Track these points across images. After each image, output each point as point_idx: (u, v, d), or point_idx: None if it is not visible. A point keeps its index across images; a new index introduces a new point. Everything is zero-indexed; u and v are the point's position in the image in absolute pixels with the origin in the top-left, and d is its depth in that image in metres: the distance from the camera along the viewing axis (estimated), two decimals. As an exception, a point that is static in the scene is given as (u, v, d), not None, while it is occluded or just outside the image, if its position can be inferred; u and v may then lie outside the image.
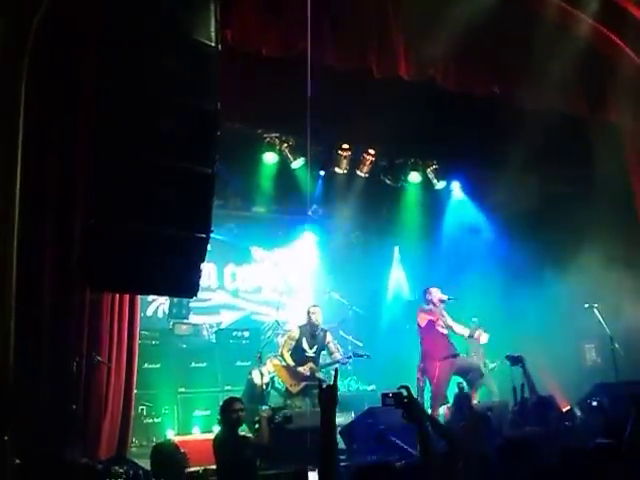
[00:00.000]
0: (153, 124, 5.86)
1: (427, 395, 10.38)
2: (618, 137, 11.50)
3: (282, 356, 10.21)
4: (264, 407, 9.44)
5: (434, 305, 10.39)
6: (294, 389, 10.00)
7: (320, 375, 10.27)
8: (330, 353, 10.49)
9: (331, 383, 3.85)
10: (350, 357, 11.08)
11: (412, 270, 14.68)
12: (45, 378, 7.27)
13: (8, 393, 5.56)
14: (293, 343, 10.24)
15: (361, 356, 11.64)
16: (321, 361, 10.48)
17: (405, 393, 3.97)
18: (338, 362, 10.65)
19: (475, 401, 9.10)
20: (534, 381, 7.81)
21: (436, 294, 10.44)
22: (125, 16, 6.01)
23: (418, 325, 10.44)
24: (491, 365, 11.53)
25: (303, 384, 10.00)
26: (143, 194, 5.77)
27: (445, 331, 10.34)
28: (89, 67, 7.66)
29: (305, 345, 10.22)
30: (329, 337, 10.49)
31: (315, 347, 10.26)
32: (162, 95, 5.92)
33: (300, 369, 10.05)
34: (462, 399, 8.05)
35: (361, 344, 12.73)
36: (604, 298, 10.81)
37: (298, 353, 10.18)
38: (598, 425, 6.76)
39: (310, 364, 10.12)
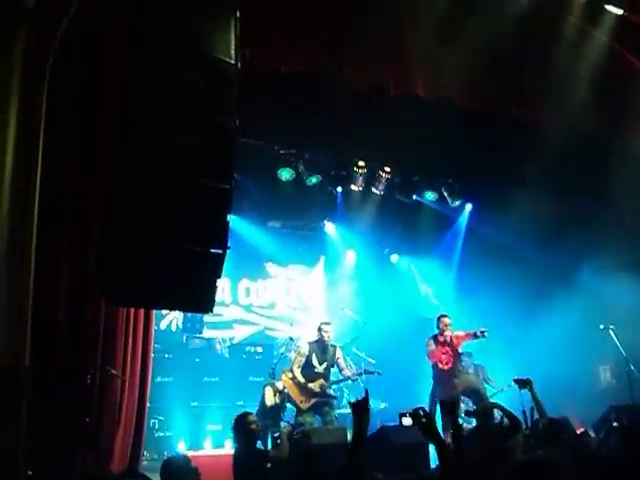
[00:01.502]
0: (172, 139, 5.89)
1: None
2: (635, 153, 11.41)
3: (292, 372, 10.19)
4: (283, 424, 9.42)
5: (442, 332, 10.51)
6: (304, 405, 9.97)
7: (330, 392, 10.25)
8: (340, 370, 10.44)
9: (352, 400, 3.89)
10: (360, 374, 11.04)
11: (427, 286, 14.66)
12: (59, 391, 7.27)
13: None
14: (303, 359, 10.21)
15: (372, 373, 11.60)
16: (332, 378, 10.44)
17: (422, 413, 3.97)
18: (348, 379, 10.63)
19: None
20: (543, 404, 7.74)
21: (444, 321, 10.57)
22: (146, 32, 6.07)
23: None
24: (505, 387, 11.39)
25: (313, 400, 9.98)
26: (160, 208, 5.79)
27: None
28: (110, 80, 7.73)
29: (315, 361, 10.19)
30: (339, 353, 10.46)
31: (325, 363, 10.23)
32: (181, 110, 5.95)
33: (310, 385, 10.02)
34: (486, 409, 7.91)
35: (373, 361, 12.68)
36: (620, 318, 10.72)
37: (308, 369, 10.15)
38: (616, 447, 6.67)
39: (320, 380, 10.08)
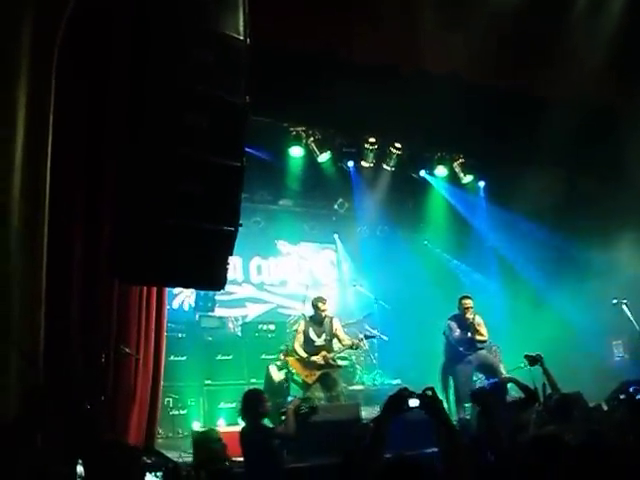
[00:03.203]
0: (182, 118, 5.88)
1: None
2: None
3: (295, 351, 10.23)
4: (290, 398, 9.48)
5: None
6: (310, 379, 10.03)
7: (335, 362, 10.28)
8: (339, 340, 10.45)
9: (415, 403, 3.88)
10: (362, 339, 11.06)
11: (439, 265, 14.61)
12: (74, 370, 7.32)
13: (40, 394, 5.59)
14: (301, 336, 10.29)
15: (373, 337, 11.67)
16: (336, 348, 10.46)
17: (430, 394, 3.96)
18: (351, 347, 10.64)
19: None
20: (555, 379, 7.73)
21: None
22: (153, 11, 6.03)
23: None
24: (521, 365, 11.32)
25: (318, 373, 10.04)
26: (172, 187, 5.79)
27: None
28: (117, 61, 7.68)
29: (313, 335, 10.25)
30: (336, 324, 10.48)
31: (324, 335, 10.28)
32: (191, 88, 5.93)
33: (313, 358, 10.08)
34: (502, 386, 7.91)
35: (386, 338, 12.72)
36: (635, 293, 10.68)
37: (308, 344, 10.22)
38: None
39: (323, 353, 10.13)
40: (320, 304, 10.38)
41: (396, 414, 3.86)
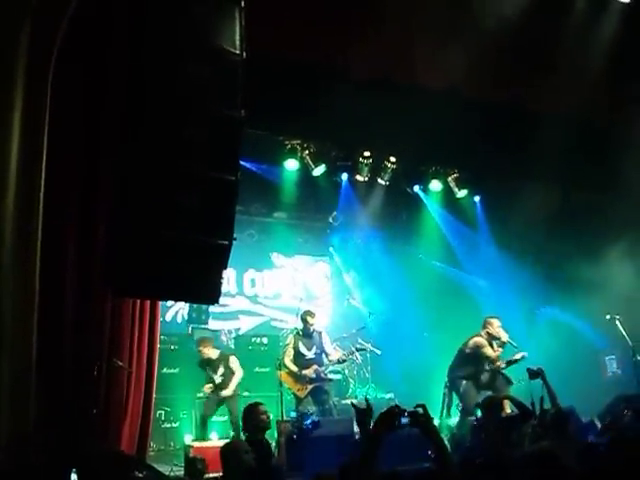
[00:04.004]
0: (178, 131, 5.89)
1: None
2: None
3: (285, 365, 10.20)
4: (293, 413, 9.46)
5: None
6: (302, 393, 10.03)
7: (326, 375, 10.27)
8: (326, 355, 10.44)
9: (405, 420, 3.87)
10: (352, 352, 11.05)
11: (434, 278, 14.62)
12: (66, 382, 7.28)
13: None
14: (292, 350, 10.28)
15: (363, 350, 11.65)
16: (326, 362, 10.44)
17: (421, 411, 3.96)
18: (338, 362, 10.64)
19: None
20: (555, 394, 7.74)
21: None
22: (150, 24, 6.05)
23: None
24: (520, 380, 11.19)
25: (310, 387, 10.03)
26: (166, 200, 5.79)
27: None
28: (114, 73, 7.68)
29: (303, 349, 10.26)
30: (325, 338, 10.50)
31: (314, 348, 10.29)
32: (187, 102, 5.94)
33: (304, 372, 10.09)
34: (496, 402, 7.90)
35: (379, 352, 12.69)
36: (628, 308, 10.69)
37: (299, 358, 10.23)
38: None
39: (314, 366, 10.16)
40: (309, 318, 10.38)
41: (387, 431, 3.85)
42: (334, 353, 10.52)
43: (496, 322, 10.14)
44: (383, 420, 3.89)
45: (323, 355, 10.39)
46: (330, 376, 10.79)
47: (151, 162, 5.84)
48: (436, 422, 10.10)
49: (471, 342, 10.10)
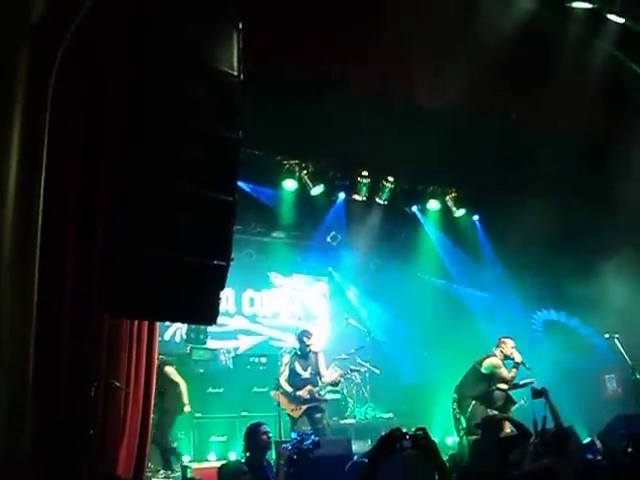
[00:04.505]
0: (175, 152, 5.91)
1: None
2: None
3: (280, 385, 10.17)
4: (293, 434, 9.42)
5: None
6: (296, 414, 10.01)
7: (321, 396, 10.22)
8: (320, 377, 10.40)
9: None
10: (347, 374, 11.03)
11: (433, 298, 14.62)
12: (63, 403, 7.26)
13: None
14: (287, 370, 10.24)
15: (357, 371, 11.64)
16: (320, 383, 10.40)
17: (422, 434, 3.96)
18: (332, 384, 10.59)
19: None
20: (559, 412, 7.76)
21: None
22: (148, 45, 6.09)
23: None
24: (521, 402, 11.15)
25: (304, 407, 9.99)
26: (164, 221, 5.80)
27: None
28: (112, 93, 7.71)
29: (299, 369, 10.23)
30: (321, 359, 10.46)
31: (309, 369, 10.27)
32: (184, 123, 5.96)
33: (299, 393, 10.06)
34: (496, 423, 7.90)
35: (378, 371, 12.68)
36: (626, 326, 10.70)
37: (294, 378, 10.20)
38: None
39: (308, 387, 10.13)
40: (305, 338, 10.35)
41: (388, 454, 3.86)
42: (328, 375, 10.46)
43: (510, 342, 10.20)
44: (384, 442, 3.90)
45: (318, 376, 10.35)
46: (328, 396, 10.76)
47: (148, 182, 5.85)
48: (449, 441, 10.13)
49: (487, 362, 10.13)
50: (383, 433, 4.05)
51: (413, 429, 3.96)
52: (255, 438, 7.01)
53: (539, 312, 13.71)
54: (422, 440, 3.88)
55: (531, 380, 9.85)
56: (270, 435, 7.18)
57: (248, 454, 7.10)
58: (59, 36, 6.54)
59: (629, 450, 6.76)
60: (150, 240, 5.83)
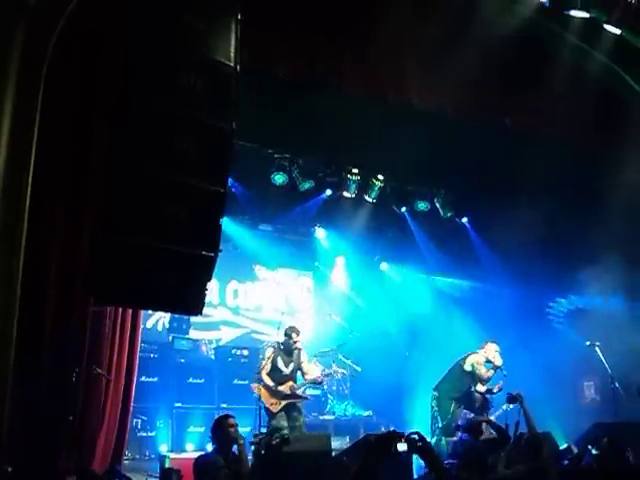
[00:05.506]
0: (168, 140, 5.88)
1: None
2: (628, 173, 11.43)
3: (261, 378, 10.13)
4: (263, 430, 9.41)
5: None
6: (275, 408, 9.94)
7: (300, 393, 10.21)
8: (302, 374, 10.38)
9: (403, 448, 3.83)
10: (328, 375, 11.02)
11: (416, 297, 14.67)
12: (43, 387, 7.21)
13: None
14: (269, 364, 10.18)
15: (341, 373, 11.65)
16: (302, 380, 10.39)
17: (417, 437, 3.90)
18: (314, 383, 10.57)
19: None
20: (533, 419, 7.79)
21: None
22: (145, 33, 6.06)
23: None
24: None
25: (284, 402, 9.96)
26: (154, 209, 5.78)
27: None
28: (106, 80, 7.65)
29: (281, 364, 10.16)
30: (303, 357, 10.41)
31: (291, 365, 10.21)
32: (178, 112, 5.94)
33: (280, 388, 10.00)
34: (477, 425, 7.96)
35: (359, 368, 12.70)
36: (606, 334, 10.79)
37: (276, 373, 10.11)
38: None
39: (290, 383, 10.06)
40: (294, 334, 10.28)
41: (381, 458, 3.79)
42: (311, 372, 10.43)
43: (495, 347, 10.44)
44: (379, 446, 3.83)
45: (299, 373, 10.33)
46: (308, 392, 10.73)
47: (137, 169, 5.83)
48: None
49: (470, 359, 10.38)
50: (362, 431, 4.03)
51: (407, 432, 3.91)
52: (221, 430, 6.95)
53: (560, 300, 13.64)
54: (418, 442, 3.83)
55: (500, 387, 10.11)
56: (236, 428, 7.10)
57: (215, 446, 7.05)
58: (54, 18, 6.50)
59: (593, 452, 6.84)
60: (137, 228, 5.81)
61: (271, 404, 9.94)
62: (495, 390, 10.20)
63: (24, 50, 6.04)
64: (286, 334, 10.34)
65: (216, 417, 7.36)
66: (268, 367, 10.15)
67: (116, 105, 6.23)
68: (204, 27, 6.14)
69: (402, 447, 3.75)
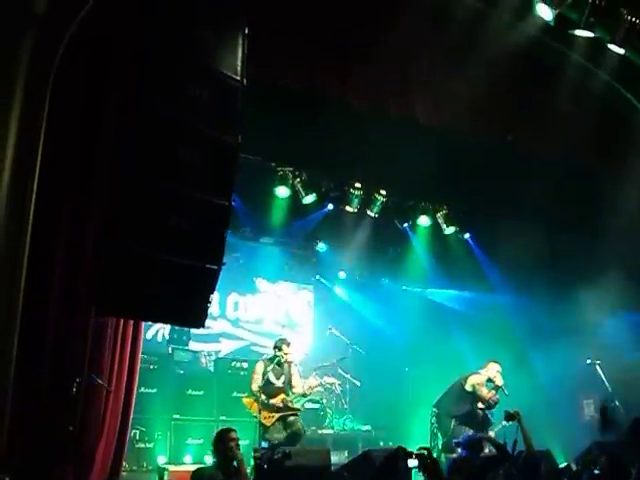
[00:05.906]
0: (174, 151, 5.90)
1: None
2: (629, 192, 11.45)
3: (252, 393, 10.08)
4: (264, 444, 9.36)
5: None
6: (268, 422, 9.89)
7: (293, 405, 10.17)
8: (291, 387, 10.32)
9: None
10: (320, 384, 10.98)
11: (416, 313, 14.64)
12: (44, 397, 7.19)
13: None
14: (260, 377, 10.12)
15: (332, 384, 11.61)
16: (291, 393, 10.34)
17: (426, 453, 3.90)
18: (304, 396, 10.50)
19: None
20: (531, 436, 7.77)
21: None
22: (153, 45, 6.09)
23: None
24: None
25: (277, 415, 9.92)
26: (158, 222, 5.79)
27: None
28: (113, 91, 7.66)
29: (272, 377, 10.12)
30: (294, 370, 10.38)
31: (282, 377, 10.18)
32: (184, 125, 5.97)
33: (272, 401, 9.96)
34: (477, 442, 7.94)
35: (359, 383, 12.68)
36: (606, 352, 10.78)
37: (267, 386, 10.05)
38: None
39: (282, 395, 10.04)
40: (284, 346, 10.23)
41: (391, 475, 3.79)
42: (298, 386, 10.37)
43: (496, 366, 10.42)
44: (388, 464, 3.82)
45: (289, 386, 10.30)
46: (307, 405, 10.71)
47: (144, 183, 5.84)
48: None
49: (471, 379, 10.35)
50: (361, 446, 4.03)
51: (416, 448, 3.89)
52: (222, 444, 6.93)
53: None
54: (427, 459, 3.83)
55: (496, 399, 10.16)
56: (238, 442, 7.07)
57: (216, 460, 7.03)
58: (62, 27, 6.52)
59: (595, 472, 6.82)
60: (141, 239, 5.82)
61: (264, 417, 9.87)
62: (492, 403, 10.19)
63: (32, 57, 6.06)
64: (276, 346, 10.30)
65: (218, 430, 7.33)
66: (259, 380, 10.08)
67: (123, 113, 6.25)
68: (213, 40, 6.18)
69: (412, 463, 3.75)
